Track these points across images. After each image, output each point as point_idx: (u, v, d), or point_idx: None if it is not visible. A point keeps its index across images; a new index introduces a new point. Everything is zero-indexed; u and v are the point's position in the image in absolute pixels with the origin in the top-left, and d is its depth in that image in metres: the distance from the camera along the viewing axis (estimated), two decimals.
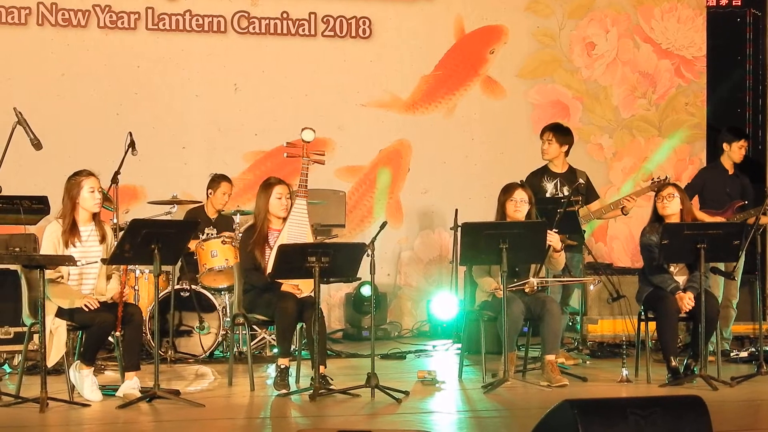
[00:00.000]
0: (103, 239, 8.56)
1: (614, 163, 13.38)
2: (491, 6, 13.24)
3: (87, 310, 8.24)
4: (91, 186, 8.45)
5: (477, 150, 12.84)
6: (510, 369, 9.15)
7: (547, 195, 10.61)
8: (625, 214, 10.82)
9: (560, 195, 10.55)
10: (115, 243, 8.57)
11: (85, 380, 8.24)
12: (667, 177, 10.50)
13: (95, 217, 8.56)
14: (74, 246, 8.42)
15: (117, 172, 10.07)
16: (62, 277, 8.38)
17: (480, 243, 9.19)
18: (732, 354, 10.63)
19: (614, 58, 13.57)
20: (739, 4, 13.75)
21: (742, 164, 11.41)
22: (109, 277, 8.60)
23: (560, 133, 10.74)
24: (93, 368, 8.34)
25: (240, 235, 10.00)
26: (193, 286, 10.43)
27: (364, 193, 12.84)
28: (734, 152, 11.16)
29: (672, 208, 9.55)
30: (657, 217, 9.65)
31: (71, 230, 8.45)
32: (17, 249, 8.98)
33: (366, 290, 11.88)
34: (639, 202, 10.79)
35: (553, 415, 6.12)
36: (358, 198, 12.72)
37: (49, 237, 8.44)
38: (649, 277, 9.60)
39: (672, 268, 9.55)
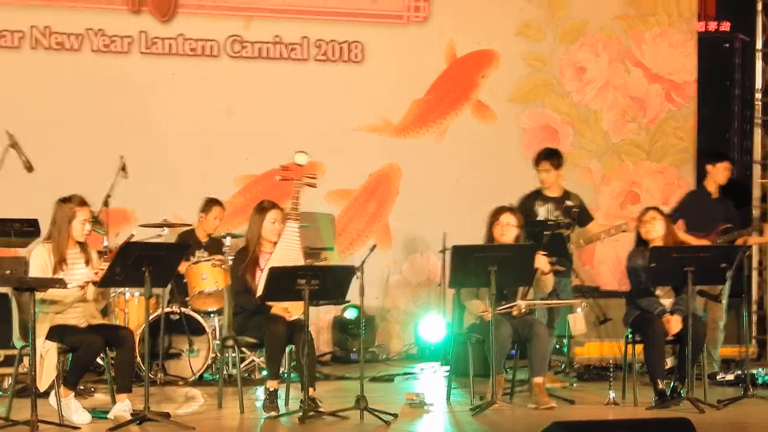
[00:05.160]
0: (88, 262, 8.61)
1: (602, 187, 13.45)
2: (483, 31, 13.31)
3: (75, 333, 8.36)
4: (83, 218, 8.50)
5: (467, 174, 12.90)
6: (498, 391, 9.23)
7: (539, 217, 10.66)
8: (625, 231, 10.87)
9: (551, 219, 10.60)
10: (105, 265, 8.64)
11: (70, 404, 8.27)
12: (648, 210, 10.57)
13: (80, 242, 8.62)
14: (61, 269, 8.44)
15: (108, 195, 10.19)
16: (55, 301, 8.38)
17: (469, 266, 9.27)
18: (719, 377, 10.67)
19: (605, 82, 13.64)
20: (728, 29, 13.82)
21: (729, 188, 11.50)
22: (96, 300, 8.68)
23: (555, 158, 10.85)
24: (74, 393, 8.36)
25: (230, 258, 10.11)
26: (183, 309, 10.45)
27: (353, 217, 12.90)
28: (718, 173, 11.25)
29: (655, 232, 9.64)
30: (641, 241, 9.74)
31: (59, 254, 8.51)
32: (8, 271, 9.02)
33: (349, 313, 11.99)
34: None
35: None
36: (347, 221, 12.79)
37: (37, 260, 8.47)
38: (636, 300, 9.69)
39: (658, 291, 9.63)
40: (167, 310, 10.34)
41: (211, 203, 11.11)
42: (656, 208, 9.97)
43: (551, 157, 10.85)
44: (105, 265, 8.21)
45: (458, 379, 10.03)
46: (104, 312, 9.01)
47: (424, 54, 13.18)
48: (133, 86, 12.33)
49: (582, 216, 10.86)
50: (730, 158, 11.92)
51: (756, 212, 13.23)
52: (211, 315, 10.54)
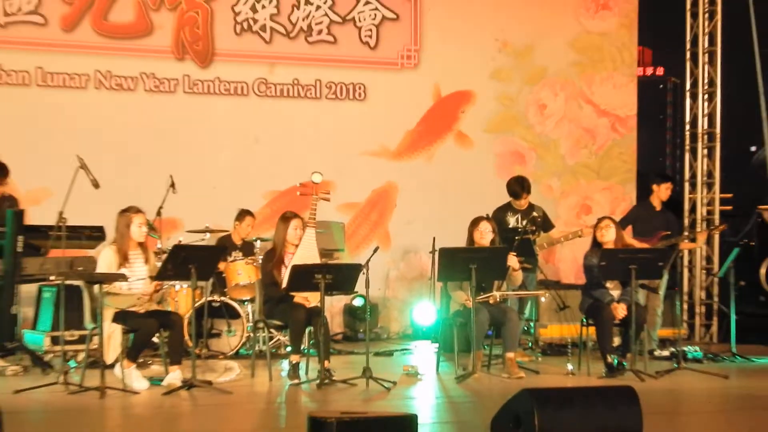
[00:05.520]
0: (146, 261, 8.68)
1: (561, 201, 13.43)
2: (462, 74, 13.29)
3: (136, 317, 8.35)
4: (139, 222, 8.61)
5: (451, 190, 12.84)
6: (477, 364, 9.30)
7: (510, 226, 10.72)
8: (580, 237, 10.92)
9: (520, 227, 10.67)
10: (158, 264, 8.67)
11: (131, 374, 8.31)
12: (603, 219, 10.60)
13: (141, 243, 8.66)
14: (125, 267, 8.52)
15: (161, 207, 10.21)
16: (119, 291, 8.47)
17: (454, 264, 9.32)
18: (656, 353, 10.72)
19: (562, 116, 13.63)
20: (662, 74, 13.84)
21: (669, 202, 11.53)
22: (154, 293, 8.72)
23: (529, 188, 10.89)
24: (135, 364, 8.39)
25: (260, 257, 10.09)
26: (223, 298, 10.44)
27: (359, 224, 12.84)
28: (662, 192, 11.29)
29: (608, 236, 9.72)
30: (596, 244, 9.79)
31: (122, 254, 8.54)
32: (80, 268, 8.98)
33: (357, 301, 11.97)
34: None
35: (514, 401, 6.17)
36: (354, 228, 12.72)
37: (104, 259, 8.60)
38: (590, 291, 9.74)
39: (608, 284, 9.63)
40: (209, 298, 10.32)
41: (244, 213, 11.05)
42: (610, 218, 10.16)
43: (529, 190, 10.89)
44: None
45: (445, 354, 10.02)
46: (160, 301, 8.93)
47: (415, 93, 13.15)
48: (179, 119, 12.27)
49: (545, 224, 10.92)
50: (672, 180, 11.91)
51: (687, 222, 13.23)
52: (245, 303, 10.47)
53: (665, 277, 10.60)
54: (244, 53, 12.53)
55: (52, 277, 9.49)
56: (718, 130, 13.55)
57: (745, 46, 13.43)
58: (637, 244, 10.40)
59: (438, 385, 9.02)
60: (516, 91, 13.46)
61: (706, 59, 13.53)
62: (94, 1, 12.00)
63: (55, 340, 9.64)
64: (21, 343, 9.62)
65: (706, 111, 13.56)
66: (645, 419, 6.12)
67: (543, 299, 10.90)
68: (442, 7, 13.17)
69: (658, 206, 11.26)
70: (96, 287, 8.28)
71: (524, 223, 10.74)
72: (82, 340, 9.34)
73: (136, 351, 8.42)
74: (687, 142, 13.66)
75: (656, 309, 10.85)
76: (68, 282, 9.19)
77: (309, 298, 8.94)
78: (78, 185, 9.10)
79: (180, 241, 9.77)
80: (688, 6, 13.57)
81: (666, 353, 10.64)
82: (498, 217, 10.62)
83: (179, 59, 12.30)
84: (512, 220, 10.85)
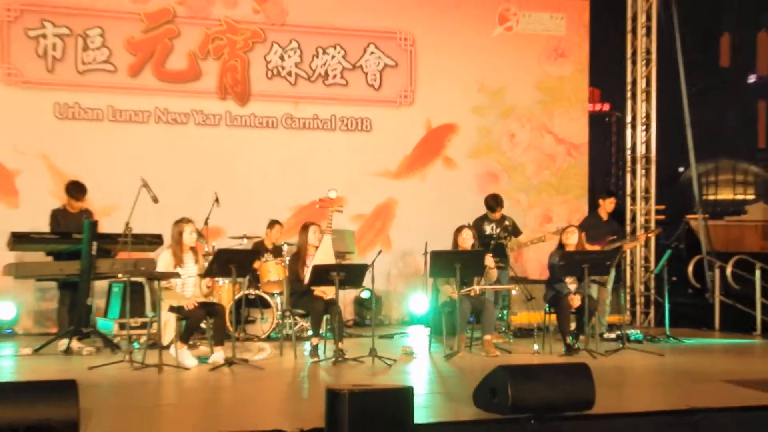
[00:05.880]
0: (196, 262, 8.72)
1: (528, 212, 13.40)
2: (449, 110, 13.27)
3: (187, 309, 8.37)
4: (190, 230, 8.65)
5: (440, 204, 12.78)
6: (461, 345, 9.30)
7: (487, 233, 10.78)
8: (543, 241, 11.01)
9: (494, 234, 10.68)
10: (206, 264, 8.69)
11: (183, 353, 8.33)
12: (569, 226, 10.62)
13: (191, 247, 8.71)
14: (179, 267, 8.53)
15: (207, 218, 10.23)
16: (173, 286, 8.47)
17: (442, 263, 9.33)
18: (605, 335, 10.70)
19: (528, 144, 13.62)
20: (608, 109, 13.87)
21: (614, 213, 11.56)
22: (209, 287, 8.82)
23: (502, 202, 10.99)
24: (186, 346, 8.41)
25: (287, 259, 10.11)
26: (257, 291, 10.46)
27: (366, 231, 12.82)
28: (607, 205, 11.32)
29: (572, 240, 9.80)
30: (561, 246, 9.79)
31: (177, 256, 8.57)
32: (143, 268, 9.01)
33: (364, 294, 11.94)
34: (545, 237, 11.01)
35: (491, 376, 6.16)
36: (362, 234, 12.71)
37: (163, 261, 8.64)
38: (552, 285, 9.75)
39: (567, 280, 9.63)
40: (246, 292, 10.35)
41: (273, 223, 11.10)
42: (575, 226, 10.13)
43: (501, 204, 10.99)
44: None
45: (435, 336, 9.99)
46: (207, 294, 8.95)
47: (411, 125, 13.14)
48: (222, 147, 12.25)
49: (514, 231, 10.96)
50: (616, 195, 11.93)
51: (629, 229, 13.24)
52: (275, 295, 10.48)
53: (612, 273, 10.58)
54: (274, 94, 12.53)
55: (119, 275, 9.53)
56: (653, 154, 13.57)
57: (675, 87, 13.45)
58: (590, 248, 10.42)
59: (430, 362, 9.02)
60: (491, 124, 13.45)
61: (644, 97, 13.55)
62: (154, 52, 12.02)
63: (122, 326, 9.68)
64: (95, 328, 9.67)
65: (643, 139, 13.58)
66: (597, 390, 6.12)
67: (514, 292, 10.87)
68: (432, 57, 13.15)
69: (604, 216, 11.27)
70: (155, 283, 8.31)
71: (498, 230, 10.81)
72: (143, 325, 9.40)
73: (187, 334, 8.44)
74: (628, 164, 13.68)
75: (605, 300, 10.83)
76: (133, 279, 9.18)
77: (326, 292, 8.96)
78: (141, 201, 9.10)
79: (214, 248, 9.79)
80: (629, 55, 13.61)
81: (613, 336, 10.63)
82: (477, 225, 10.70)
83: (222, 99, 12.30)
84: (488, 228, 10.93)
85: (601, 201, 11.41)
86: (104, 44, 11.81)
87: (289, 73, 12.60)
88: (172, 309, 8.43)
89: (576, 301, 9.50)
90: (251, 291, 10.45)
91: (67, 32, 11.65)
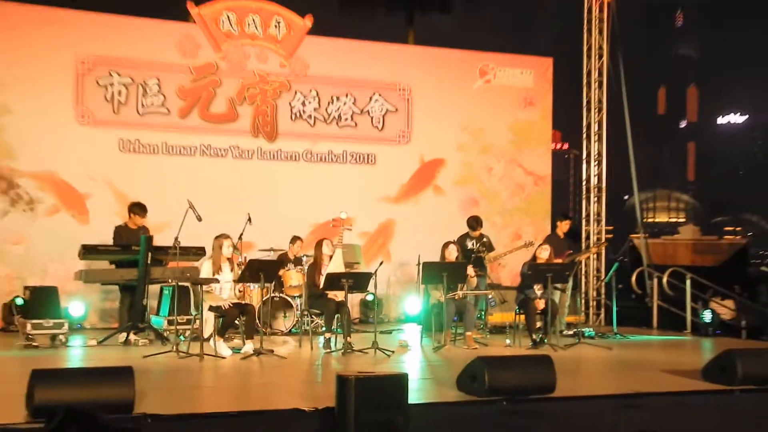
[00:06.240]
0: (232, 270, 8.67)
1: (502, 231, 13.27)
2: (438, 147, 13.21)
3: (223, 308, 8.32)
4: (227, 244, 8.61)
5: (431, 224, 12.63)
6: (447, 339, 9.27)
7: (468, 248, 10.68)
8: (512, 252, 10.98)
9: (475, 248, 10.62)
10: (240, 271, 8.64)
11: (220, 345, 8.27)
12: (532, 241, 10.65)
13: (228, 258, 8.66)
14: (218, 274, 8.49)
15: (241, 234, 10.16)
16: (212, 290, 8.42)
17: (432, 272, 9.31)
18: (564, 333, 10.59)
19: (502, 175, 13.55)
20: (567, 148, 13.84)
21: (571, 233, 11.53)
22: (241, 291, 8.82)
23: (481, 223, 10.95)
24: (223, 339, 8.35)
25: (306, 268, 10.04)
26: (281, 294, 10.39)
27: (370, 246, 12.72)
28: (563, 226, 11.29)
29: (544, 255, 9.78)
30: (534, 258, 9.75)
31: (216, 265, 8.53)
32: (188, 274, 8.98)
33: (369, 297, 11.85)
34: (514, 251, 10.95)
35: (472, 364, 6.14)
36: (367, 248, 12.59)
37: (205, 269, 8.61)
38: (522, 290, 9.70)
39: (535, 286, 9.59)
40: (272, 295, 10.26)
41: (295, 238, 11.04)
42: (548, 244, 10.10)
43: (481, 224, 10.92)
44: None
45: (426, 332, 9.93)
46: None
47: (407, 159, 13.08)
48: (254, 176, 12.19)
49: (490, 246, 10.87)
50: (571, 218, 11.89)
51: (584, 245, 13.19)
52: (296, 297, 10.41)
53: (570, 281, 10.54)
54: (297, 133, 12.48)
55: (169, 280, 9.48)
56: (603, 185, 13.51)
57: (622, 130, 13.45)
58: (553, 261, 10.40)
59: (421, 354, 8.96)
60: (473, 159, 13.39)
61: (596, 138, 13.52)
62: (200, 98, 12.01)
63: (170, 322, 9.61)
64: (148, 324, 9.59)
65: (596, 172, 13.53)
66: (558, 377, 6.11)
67: (491, 296, 10.82)
68: (425, 104, 13.12)
69: (561, 235, 11.20)
70: (198, 287, 8.27)
71: (478, 246, 10.74)
72: (188, 322, 9.35)
73: (223, 329, 8.39)
74: (584, 193, 13.61)
75: (564, 303, 10.77)
76: (180, 283, 9.21)
77: (337, 295, 8.91)
78: (187, 219, 9.07)
79: (245, 258, 9.74)
80: (584, 103, 13.58)
81: (571, 333, 10.54)
82: (460, 241, 10.62)
83: (254, 137, 12.26)
84: (470, 244, 10.83)
85: (558, 223, 11.40)
86: (160, 91, 11.80)
87: (309, 117, 12.57)
88: (211, 308, 8.39)
89: (541, 304, 9.47)
90: (276, 294, 10.38)
91: (130, 81, 11.66)
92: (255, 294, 10.16)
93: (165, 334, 9.38)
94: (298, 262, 10.77)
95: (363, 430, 4.97)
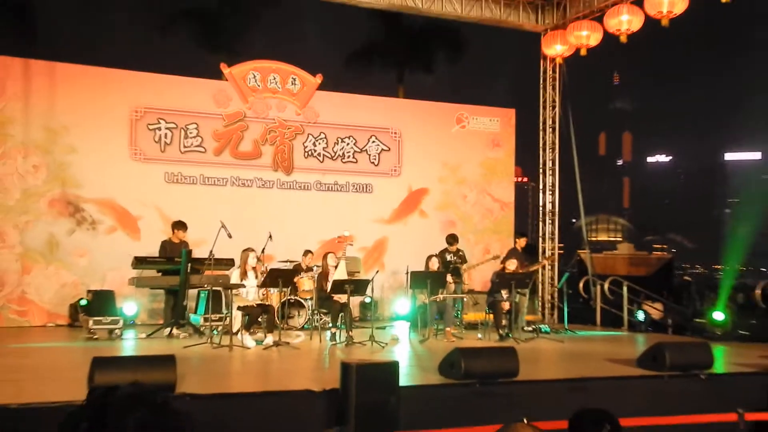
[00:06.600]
0: (256, 277, 8.62)
1: (475, 246, 13.23)
2: (423, 179, 13.18)
3: (249, 308, 8.27)
4: (252, 256, 8.55)
5: (417, 240, 12.60)
6: (430, 334, 9.20)
7: (447, 260, 10.65)
8: (483, 263, 10.89)
9: (452, 260, 10.60)
10: (262, 278, 8.59)
11: (246, 338, 8.20)
12: (498, 255, 10.63)
13: (253, 267, 8.60)
14: (245, 280, 8.45)
15: (263, 249, 10.10)
16: (240, 293, 8.38)
17: (418, 280, 9.31)
18: (525, 329, 10.52)
19: (475, 202, 13.53)
20: (527, 180, 13.86)
21: (529, 248, 11.52)
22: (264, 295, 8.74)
23: (457, 240, 10.94)
24: (248, 333, 8.28)
25: (316, 276, 10.01)
26: (295, 297, 10.31)
27: (368, 258, 12.66)
28: (521, 243, 11.29)
29: (511, 267, 9.77)
30: (503, 269, 9.73)
31: (243, 273, 8.49)
32: (221, 281, 8.95)
33: (367, 299, 11.75)
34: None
35: (450, 354, 6.11)
36: (365, 260, 12.55)
37: (234, 276, 8.57)
38: (492, 294, 9.65)
39: (502, 291, 9.57)
40: (288, 297, 10.19)
41: (307, 252, 10.98)
42: (515, 257, 9.99)
43: (457, 241, 10.93)
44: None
45: (413, 328, 9.88)
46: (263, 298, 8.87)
47: (398, 189, 13.06)
48: (274, 202, 12.15)
49: (465, 259, 10.88)
50: (527, 236, 11.91)
51: (540, 258, 13.18)
52: (308, 300, 10.34)
53: (530, 287, 10.52)
54: (309, 167, 12.47)
55: (205, 286, 9.44)
56: (557, 210, 13.53)
57: (570, 166, 13.48)
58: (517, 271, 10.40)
59: (409, 346, 8.91)
60: (451, 188, 13.39)
61: (551, 173, 13.57)
62: (231, 139, 12.03)
63: (206, 319, 9.54)
64: (188, 320, 9.56)
65: (550, 200, 13.55)
66: (520, 364, 6.08)
67: (465, 299, 10.78)
68: (413, 145, 13.14)
69: (519, 249, 11.23)
70: (228, 291, 8.26)
71: (455, 258, 10.74)
72: (220, 319, 9.30)
73: (249, 325, 8.35)
74: (540, 216, 13.63)
75: (525, 304, 10.76)
76: (214, 288, 9.16)
77: (341, 297, 8.88)
78: (220, 237, 9.05)
79: (266, 267, 9.68)
80: (541, 145, 13.64)
81: (530, 329, 10.49)
82: (441, 255, 10.58)
83: (275, 170, 12.25)
84: (448, 257, 10.82)
85: (517, 239, 11.46)
86: (198, 134, 11.81)
87: (319, 154, 12.58)
88: (239, 308, 8.36)
89: (507, 305, 9.45)
90: (292, 297, 10.33)
91: (174, 126, 11.68)
92: (275, 296, 10.10)
93: (201, 329, 9.34)
94: (309, 270, 10.73)
95: (362, 407, 4.95)
